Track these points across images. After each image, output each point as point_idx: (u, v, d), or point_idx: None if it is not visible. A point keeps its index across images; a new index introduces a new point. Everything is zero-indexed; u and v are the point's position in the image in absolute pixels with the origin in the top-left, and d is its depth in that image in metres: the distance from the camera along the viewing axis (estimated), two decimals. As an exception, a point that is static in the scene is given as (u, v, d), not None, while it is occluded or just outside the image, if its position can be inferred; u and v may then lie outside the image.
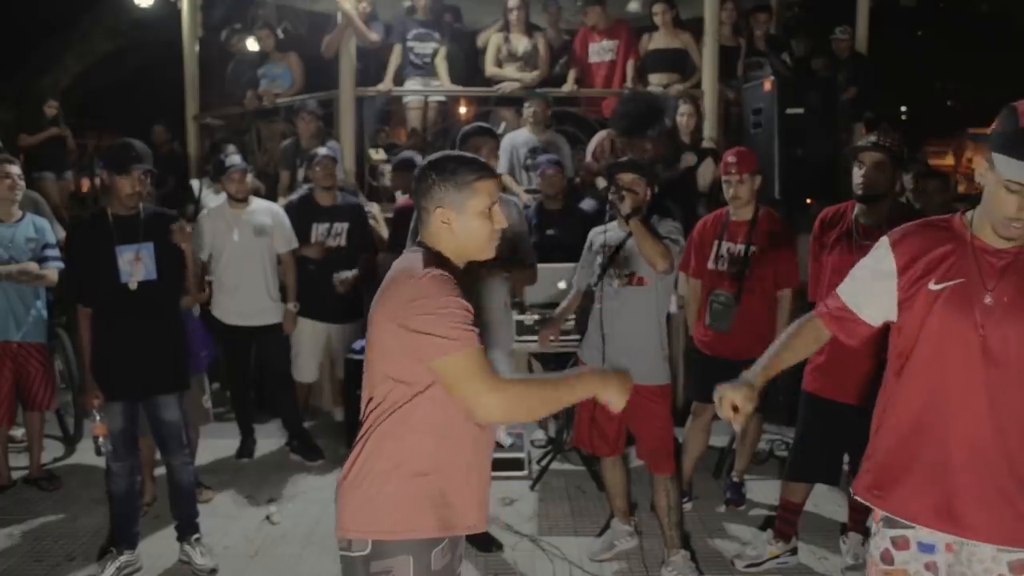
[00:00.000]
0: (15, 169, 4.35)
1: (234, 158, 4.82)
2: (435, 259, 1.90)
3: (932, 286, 1.91)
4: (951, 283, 1.90)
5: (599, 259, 3.55)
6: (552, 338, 3.79)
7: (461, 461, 1.93)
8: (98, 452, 3.52)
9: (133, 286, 3.45)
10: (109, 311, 3.49)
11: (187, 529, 3.69)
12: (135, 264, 3.45)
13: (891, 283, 1.97)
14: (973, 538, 1.86)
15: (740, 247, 3.96)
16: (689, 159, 5.71)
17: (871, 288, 2.04)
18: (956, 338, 1.89)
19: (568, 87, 6.52)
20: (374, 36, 6.63)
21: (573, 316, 4.02)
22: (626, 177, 3.44)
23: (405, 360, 1.84)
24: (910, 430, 1.96)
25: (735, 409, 2.09)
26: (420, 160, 5.36)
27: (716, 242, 4.03)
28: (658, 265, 3.32)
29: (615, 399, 1.98)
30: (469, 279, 1.99)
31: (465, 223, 1.92)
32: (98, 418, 3.48)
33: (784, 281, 3.96)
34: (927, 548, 1.92)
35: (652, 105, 5.72)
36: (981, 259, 1.88)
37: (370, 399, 1.93)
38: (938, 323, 1.91)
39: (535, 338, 4.57)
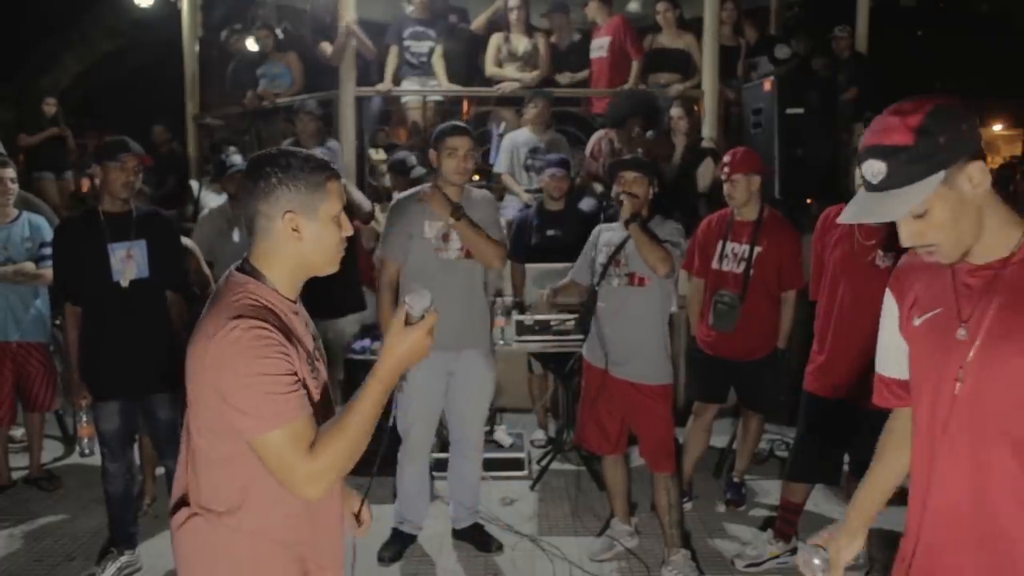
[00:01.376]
0: (8, 172, 4.34)
1: (235, 158, 4.82)
2: (255, 297, 1.61)
3: (915, 321, 1.57)
4: (929, 314, 1.54)
5: (601, 258, 3.55)
6: (549, 300, 3.84)
7: (304, 521, 1.72)
8: (82, 454, 3.52)
9: (125, 284, 3.44)
10: (101, 310, 3.47)
11: None
12: (127, 262, 3.44)
13: (897, 331, 1.63)
14: None
15: (745, 247, 3.95)
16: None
17: (887, 346, 1.69)
18: (926, 386, 1.54)
19: (566, 79, 6.51)
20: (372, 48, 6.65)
21: (574, 317, 4.02)
22: (628, 175, 3.44)
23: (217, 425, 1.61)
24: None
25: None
26: (413, 160, 5.41)
27: (720, 242, 4.02)
28: (659, 270, 3.32)
29: (416, 351, 1.61)
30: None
31: (317, 230, 1.65)
32: (84, 419, 3.47)
33: (788, 282, 3.95)
34: None
35: (637, 95, 5.75)
36: (957, 280, 1.50)
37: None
38: (915, 368, 1.58)
39: (535, 338, 4.57)
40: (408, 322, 1.62)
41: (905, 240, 1.47)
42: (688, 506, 4.19)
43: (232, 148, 6.02)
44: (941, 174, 1.39)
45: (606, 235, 3.62)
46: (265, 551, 1.69)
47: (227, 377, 1.53)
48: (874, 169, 1.43)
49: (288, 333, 1.62)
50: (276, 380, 1.54)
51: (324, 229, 1.67)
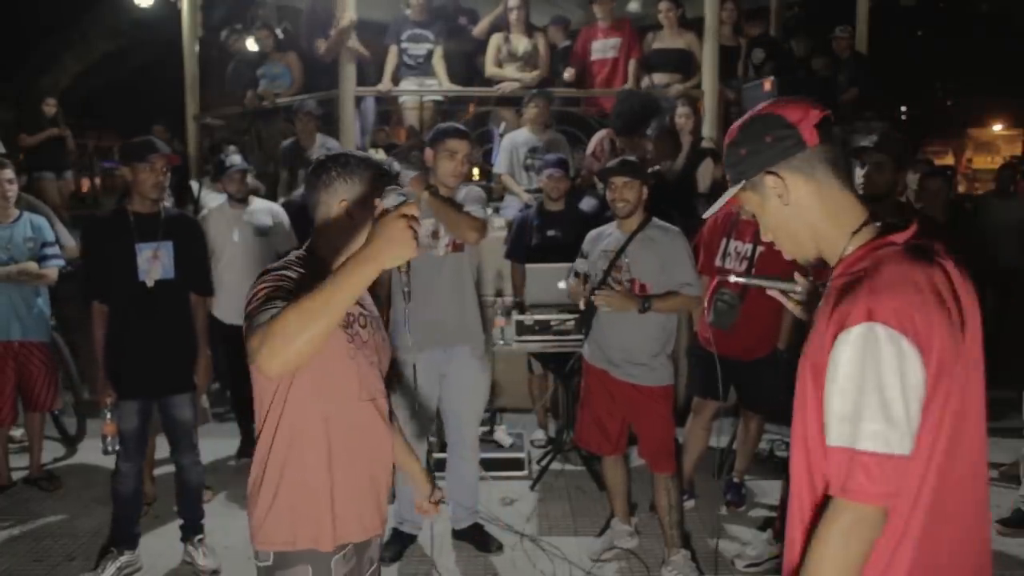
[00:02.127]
0: (7, 173, 4.35)
1: (234, 158, 4.82)
2: (302, 263, 1.85)
3: None
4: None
5: (601, 264, 3.54)
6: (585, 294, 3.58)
7: (332, 458, 1.86)
8: (106, 451, 3.52)
9: (150, 284, 3.45)
10: (125, 309, 3.49)
11: (191, 529, 3.69)
12: (153, 262, 3.46)
13: None
14: None
15: (747, 246, 3.94)
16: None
17: None
18: None
19: (568, 77, 6.51)
20: (362, 51, 6.65)
21: (574, 317, 4.02)
22: (618, 181, 3.44)
23: None
24: None
25: None
26: (397, 167, 5.44)
27: (724, 240, 4.02)
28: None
29: (394, 236, 1.53)
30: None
31: (367, 219, 1.74)
32: (108, 417, 3.48)
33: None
34: None
35: (647, 103, 5.74)
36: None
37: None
38: None
39: (535, 338, 4.57)
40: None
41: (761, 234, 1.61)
42: (690, 504, 4.19)
43: (232, 148, 6.02)
44: (741, 183, 1.52)
45: (603, 241, 3.61)
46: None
47: (250, 299, 1.74)
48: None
49: None
50: (269, 288, 1.72)
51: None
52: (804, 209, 1.49)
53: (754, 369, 4.01)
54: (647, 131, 5.61)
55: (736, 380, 4.11)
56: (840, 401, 1.34)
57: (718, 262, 4.03)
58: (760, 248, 3.90)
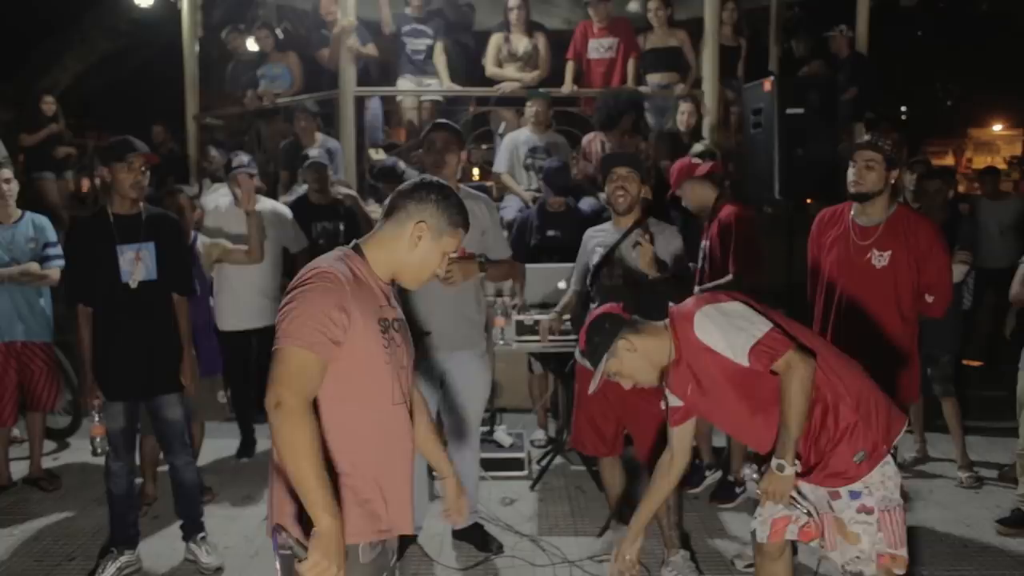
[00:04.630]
0: (5, 172, 4.34)
1: (241, 158, 4.80)
2: (349, 263, 1.91)
3: None
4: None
5: (594, 259, 3.55)
6: (552, 335, 3.81)
7: (372, 460, 1.92)
8: (95, 452, 3.52)
9: (134, 285, 3.44)
10: (109, 310, 3.48)
11: (192, 528, 3.69)
12: (136, 263, 3.45)
13: None
14: None
15: (705, 243, 4.13)
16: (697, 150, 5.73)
17: None
18: None
19: (567, 88, 6.51)
20: (371, 50, 6.65)
21: (569, 317, 4.02)
22: (621, 171, 3.45)
23: None
24: None
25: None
26: (403, 166, 5.44)
27: (704, 241, 4.20)
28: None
29: (317, 561, 1.68)
30: (391, 292, 2.02)
31: (429, 250, 1.97)
32: (97, 418, 3.48)
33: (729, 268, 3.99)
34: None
35: (625, 98, 5.78)
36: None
37: None
38: None
39: (535, 338, 4.57)
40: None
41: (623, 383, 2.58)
42: (699, 489, 4.38)
43: (213, 150, 6.06)
44: (605, 356, 2.47)
45: (598, 238, 3.62)
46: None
47: (293, 294, 1.82)
48: (578, 352, 2.73)
49: (370, 296, 1.91)
50: (323, 318, 1.78)
51: (434, 253, 1.99)
52: (640, 352, 2.49)
53: None
54: (623, 125, 5.66)
55: None
56: (726, 341, 2.33)
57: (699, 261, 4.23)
58: (705, 243, 4.14)
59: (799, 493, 2.53)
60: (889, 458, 2.41)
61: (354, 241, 2.00)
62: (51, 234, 4.47)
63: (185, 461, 3.65)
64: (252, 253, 4.31)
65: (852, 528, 2.39)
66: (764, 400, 2.38)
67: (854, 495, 2.39)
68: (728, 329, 2.32)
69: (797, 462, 2.37)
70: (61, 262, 4.46)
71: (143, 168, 3.45)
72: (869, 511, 2.37)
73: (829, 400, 2.37)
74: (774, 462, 2.36)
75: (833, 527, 2.47)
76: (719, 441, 4.65)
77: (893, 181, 3.31)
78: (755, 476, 2.47)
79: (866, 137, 3.38)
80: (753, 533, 2.67)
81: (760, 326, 2.30)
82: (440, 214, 1.97)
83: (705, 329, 2.35)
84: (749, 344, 2.27)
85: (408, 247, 1.95)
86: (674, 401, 2.61)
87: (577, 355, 3.68)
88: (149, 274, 3.47)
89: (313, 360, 1.77)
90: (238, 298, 4.73)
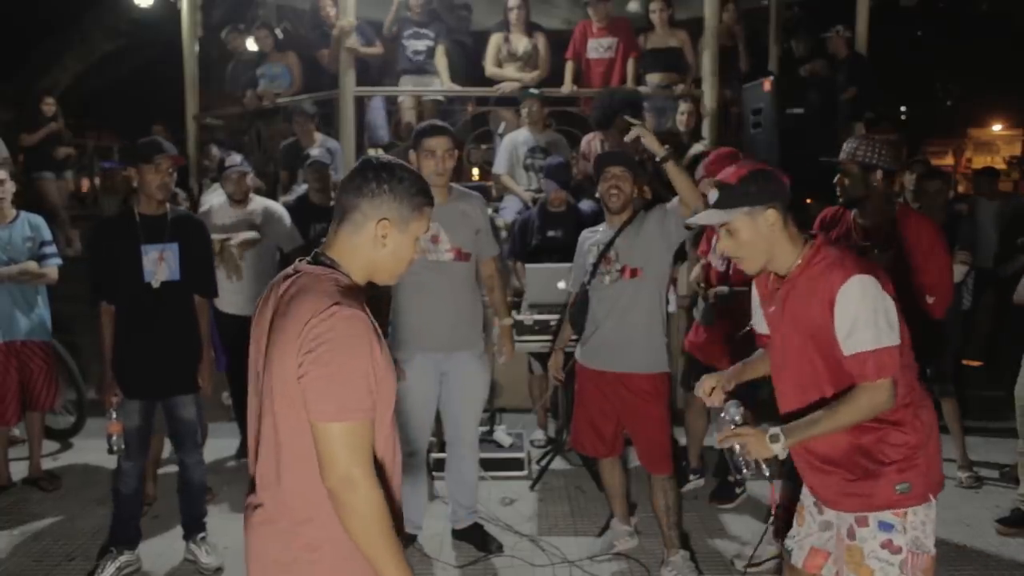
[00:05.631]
0: (2, 173, 4.34)
1: (234, 157, 4.82)
2: (346, 286, 1.71)
3: (767, 309, 2.38)
4: (768, 308, 2.38)
5: (591, 258, 3.55)
6: (561, 375, 3.82)
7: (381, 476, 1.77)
8: (111, 450, 3.53)
9: (156, 285, 3.46)
10: (131, 310, 3.50)
11: (194, 528, 3.70)
12: (159, 264, 3.46)
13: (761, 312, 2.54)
14: None
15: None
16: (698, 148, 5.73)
17: (759, 317, 2.48)
18: (769, 347, 2.43)
19: (566, 88, 6.51)
20: (375, 49, 6.65)
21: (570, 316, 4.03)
22: (614, 170, 3.46)
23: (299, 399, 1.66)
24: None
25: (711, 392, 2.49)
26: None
27: (716, 237, 4.06)
28: (694, 204, 3.20)
29: None
30: (375, 302, 1.91)
31: (399, 243, 1.79)
32: (114, 416, 3.49)
33: None
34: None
35: (621, 98, 5.78)
36: (771, 287, 2.32)
37: (275, 430, 1.70)
38: (769, 336, 2.43)
39: (535, 338, 4.58)
40: None
41: (721, 248, 2.28)
42: (700, 483, 4.37)
43: (214, 148, 6.05)
44: (745, 208, 2.17)
45: (592, 238, 3.63)
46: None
47: (324, 356, 1.59)
48: (711, 195, 2.24)
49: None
50: (365, 379, 1.63)
51: (405, 245, 1.80)
52: (774, 232, 2.20)
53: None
54: (619, 124, 5.65)
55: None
56: (854, 324, 2.07)
57: (710, 258, 4.16)
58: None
59: (821, 519, 2.34)
60: (933, 504, 2.19)
61: (317, 254, 1.80)
62: (47, 233, 4.48)
63: (196, 460, 3.67)
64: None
65: (868, 562, 2.16)
66: (817, 380, 2.19)
67: (884, 526, 2.16)
68: (866, 316, 2.06)
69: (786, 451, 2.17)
70: (58, 260, 4.48)
71: (170, 170, 3.48)
72: (896, 550, 2.14)
73: (904, 418, 2.17)
74: (776, 429, 2.15)
75: (844, 556, 2.22)
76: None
77: (876, 183, 3.30)
78: (737, 417, 2.22)
79: (847, 146, 3.38)
80: (789, 553, 2.44)
81: (892, 337, 2.07)
82: (399, 203, 1.77)
83: (849, 296, 2.07)
84: (867, 347, 2.06)
85: (375, 247, 1.77)
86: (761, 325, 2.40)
87: (577, 355, 3.69)
88: (172, 275, 3.49)
89: (367, 427, 1.64)
90: (241, 295, 4.71)
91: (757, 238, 2.18)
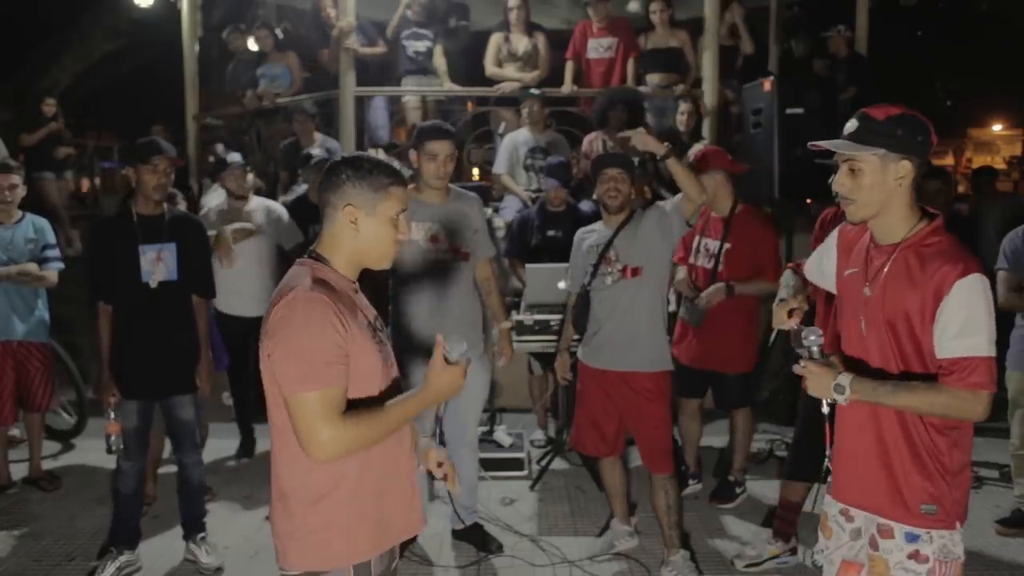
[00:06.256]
0: (12, 179, 4.35)
1: (234, 155, 4.81)
2: (319, 275, 1.82)
3: (846, 272, 2.17)
4: (851, 271, 2.15)
5: (591, 259, 3.55)
6: (569, 376, 3.80)
7: (378, 466, 1.87)
8: (109, 450, 3.53)
9: (154, 285, 3.46)
10: (129, 310, 3.50)
11: (194, 528, 3.69)
12: (156, 264, 3.46)
13: (833, 270, 2.32)
14: None
15: (715, 243, 4.05)
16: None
17: (819, 261, 2.32)
18: (843, 321, 2.21)
19: (566, 88, 6.52)
20: (375, 49, 6.65)
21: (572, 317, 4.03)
22: (611, 172, 3.46)
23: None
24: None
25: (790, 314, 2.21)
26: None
27: (697, 237, 4.15)
28: (696, 197, 3.34)
29: (453, 388, 1.86)
30: (369, 290, 1.97)
31: (374, 226, 1.86)
32: (112, 416, 3.49)
33: (765, 277, 3.96)
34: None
35: (622, 97, 5.79)
36: (869, 253, 2.10)
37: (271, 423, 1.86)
38: (840, 306, 2.24)
39: (535, 338, 4.57)
40: (447, 361, 1.86)
41: (836, 184, 2.04)
42: (698, 487, 4.35)
43: (220, 146, 6.04)
44: (881, 151, 1.96)
45: (590, 238, 3.62)
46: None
47: (285, 336, 1.74)
48: (850, 124, 2.03)
49: (352, 304, 1.84)
50: (326, 349, 1.73)
51: (380, 227, 1.88)
52: (899, 188, 1.98)
53: (722, 378, 4.21)
54: (612, 121, 5.70)
55: (708, 384, 4.30)
56: (965, 325, 1.91)
57: (691, 259, 4.16)
58: (727, 245, 4.04)
59: (851, 526, 2.17)
60: (960, 532, 2.06)
61: (311, 250, 1.92)
62: (51, 236, 4.48)
63: (195, 460, 3.67)
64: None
65: (895, 573, 2.05)
66: (891, 357, 2.02)
67: (911, 538, 2.03)
68: (982, 320, 1.91)
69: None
70: (60, 264, 4.48)
71: (167, 170, 3.48)
72: (923, 560, 2.02)
73: (961, 439, 2.04)
74: (849, 377, 1.97)
75: (868, 568, 2.11)
76: (720, 442, 4.65)
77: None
78: (815, 348, 2.03)
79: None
80: (819, 568, 2.29)
81: (992, 348, 1.93)
82: (360, 188, 1.85)
83: (967, 294, 1.90)
84: (980, 352, 1.91)
85: (352, 235, 1.86)
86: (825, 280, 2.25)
87: (579, 354, 3.69)
88: (169, 275, 3.49)
89: (335, 392, 1.74)
90: (242, 294, 4.71)
91: (879, 186, 1.96)
